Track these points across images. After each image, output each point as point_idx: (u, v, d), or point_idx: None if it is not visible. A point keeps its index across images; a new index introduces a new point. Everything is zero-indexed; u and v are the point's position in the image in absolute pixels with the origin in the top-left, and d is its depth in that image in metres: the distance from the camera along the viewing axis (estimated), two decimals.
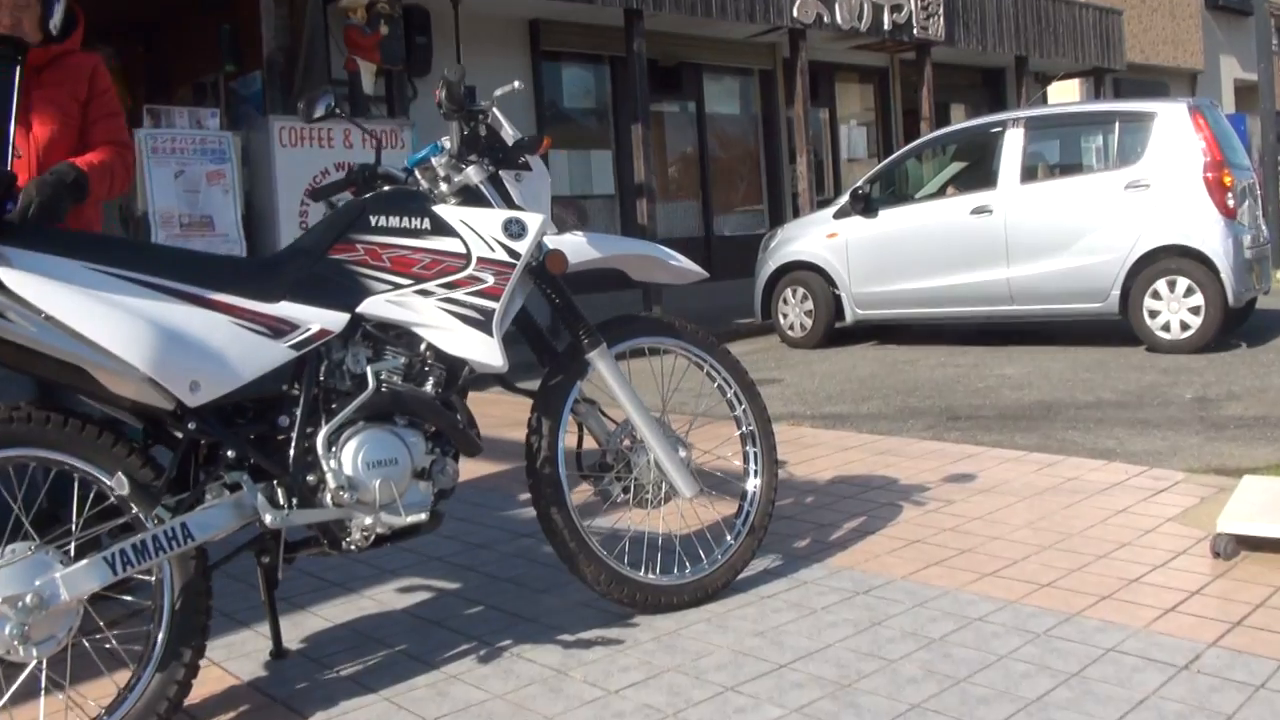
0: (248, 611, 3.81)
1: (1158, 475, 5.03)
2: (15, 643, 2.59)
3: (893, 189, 11.49)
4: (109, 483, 2.78)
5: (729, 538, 3.79)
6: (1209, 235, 9.02)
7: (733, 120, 16.37)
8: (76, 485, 2.82)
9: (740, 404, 3.88)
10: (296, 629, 3.70)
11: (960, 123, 14.82)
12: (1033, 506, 4.61)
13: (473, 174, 3.35)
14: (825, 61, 16.67)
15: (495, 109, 3.47)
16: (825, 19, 14.63)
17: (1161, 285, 9.15)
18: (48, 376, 2.78)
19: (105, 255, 2.79)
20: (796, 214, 14.82)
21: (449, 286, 3.17)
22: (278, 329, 2.96)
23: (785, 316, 11.52)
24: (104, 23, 11.57)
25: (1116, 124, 9.99)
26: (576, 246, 3.48)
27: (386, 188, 3.37)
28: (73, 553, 2.74)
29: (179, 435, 2.88)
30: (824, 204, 12.97)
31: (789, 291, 11.45)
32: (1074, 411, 6.82)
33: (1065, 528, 4.28)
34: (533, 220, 3.30)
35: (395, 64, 10.48)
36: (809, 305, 11.23)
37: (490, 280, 3.20)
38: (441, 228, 3.22)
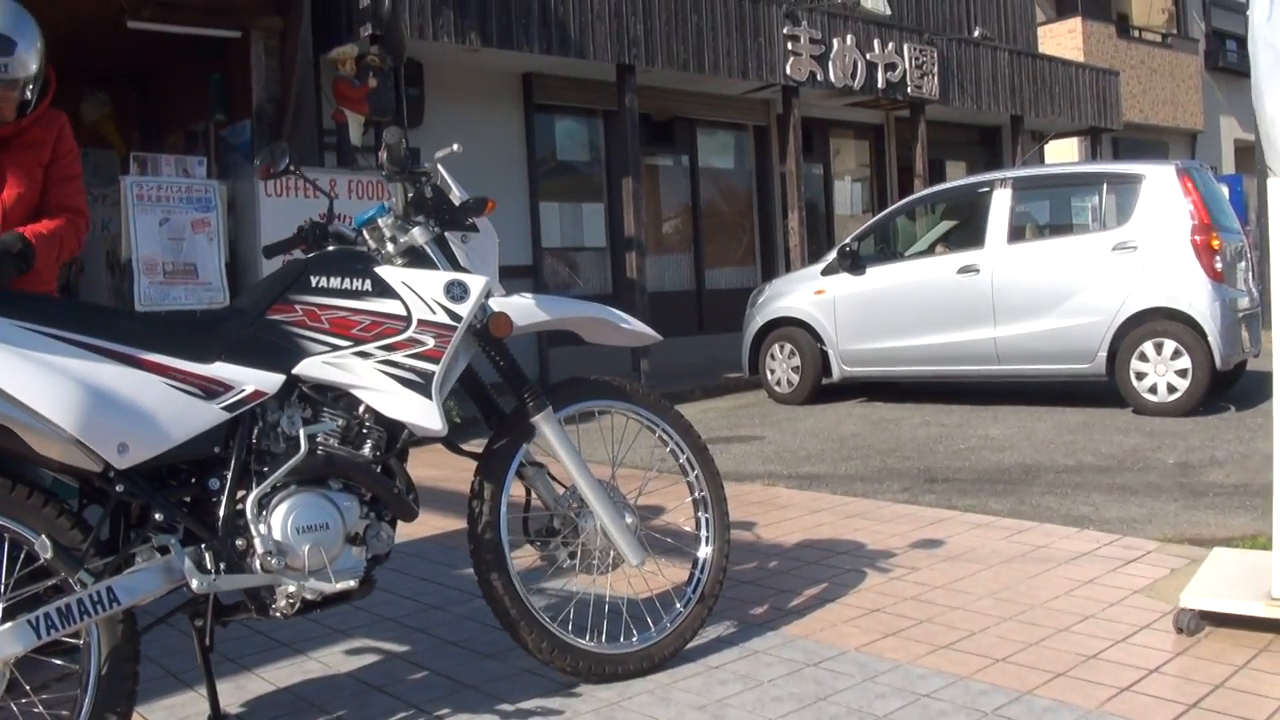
0: (192, 673, 3.72)
1: (1129, 545, 4.95)
2: None
3: (881, 246, 11.48)
4: (35, 543, 2.72)
5: (678, 605, 3.72)
6: (1196, 298, 8.98)
7: (726, 175, 16.39)
8: (6, 545, 2.78)
9: (693, 469, 3.82)
10: (239, 692, 3.64)
11: (953, 180, 14.84)
12: (998, 575, 4.54)
13: (418, 235, 3.32)
14: (820, 118, 16.73)
15: (441, 169, 3.45)
16: (819, 76, 14.68)
17: (1149, 347, 9.10)
18: None
19: (37, 314, 2.77)
20: (789, 269, 14.79)
21: (388, 349, 3.13)
22: (210, 390, 2.91)
23: (773, 372, 11.47)
24: (99, 70, 11.65)
25: (1105, 185, 9.98)
26: (523, 309, 3.44)
27: (331, 248, 3.34)
28: (1, 614, 2.69)
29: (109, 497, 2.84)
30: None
31: (776, 347, 11.41)
32: (1053, 475, 6.76)
33: (1028, 599, 4.21)
34: (475, 282, 3.26)
35: (384, 116, 10.48)
36: (796, 361, 11.19)
37: (430, 343, 3.16)
38: (382, 289, 3.18)
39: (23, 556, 2.77)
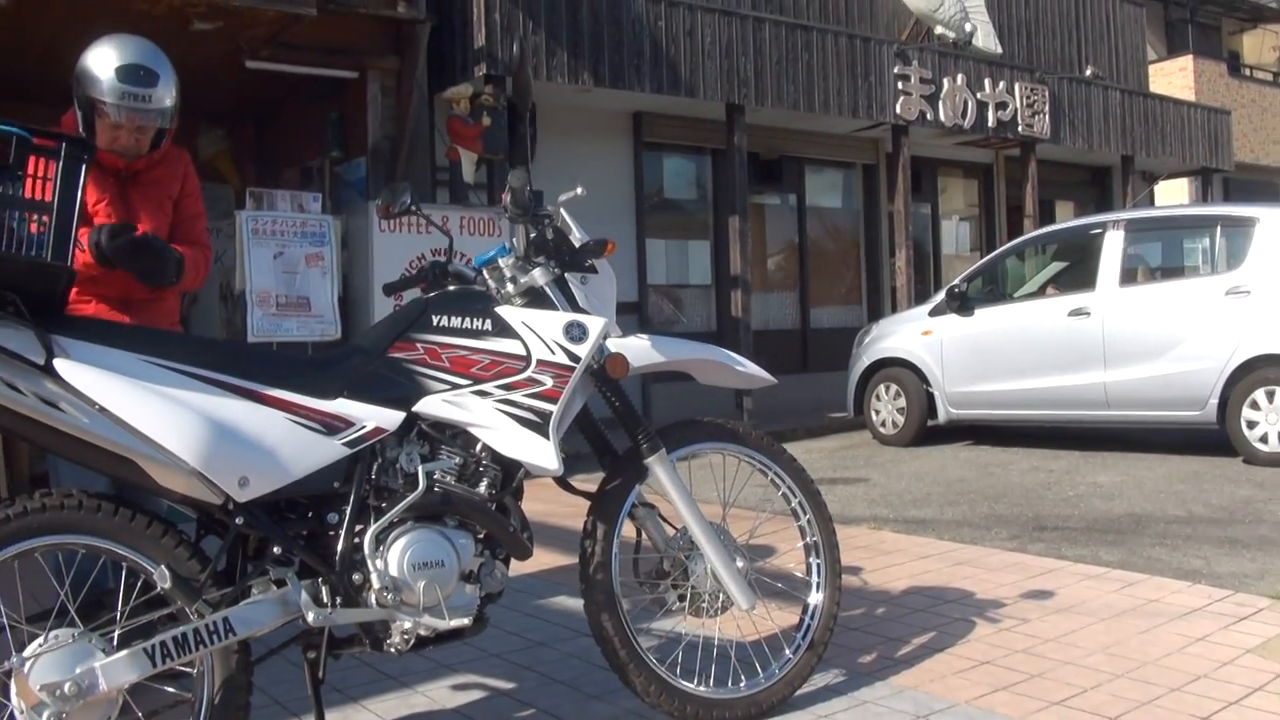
0: (298, 701, 3.78)
1: (1241, 601, 4.83)
2: None
3: (990, 288, 11.37)
4: (154, 573, 2.78)
5: (788, 652, 3.70)
6: None
7: (833, 213, 16.33)
8: (124, 574, 2.84)
9: (805, 513, 3.80)
10: None
11: (1063, 221, 14.66)
12: (1110, 629, 4.46)
13: (538, 276, 3.36)
14: (928, 157, 16.61)
15: (563, 211, 3.49)
16: (928, 116, 14.61)
17: (1260, 395, 8.89)
18: (99, 468, 2.81)
19: (161, 349, 2.84)
20: (895, 309, 14.72)
21: (507, 388, 3.16)
22: (332, 426, 2.96)
23: (878, 413, 11.40)
24: (217, 106, 11.93)
25: (1218, 228, 9.79)
26: (639, 350, 3.45)
27: (452, 287, 3.39)
28: (116, 641, 2.75)
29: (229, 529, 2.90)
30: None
31: (882, 388, 11.35)
32: (1163, 526, 6.62)
33: (1140, 655, 4.12)
34: (594, 324, 3.29)
35: (496, 154, 10.62)
36: (902, 402, 11.11)
37: (549, 383, 3.19)
38: (502, 329, 3.22)
39: (139, 585, 2.84)
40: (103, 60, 3.64)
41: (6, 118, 2.66)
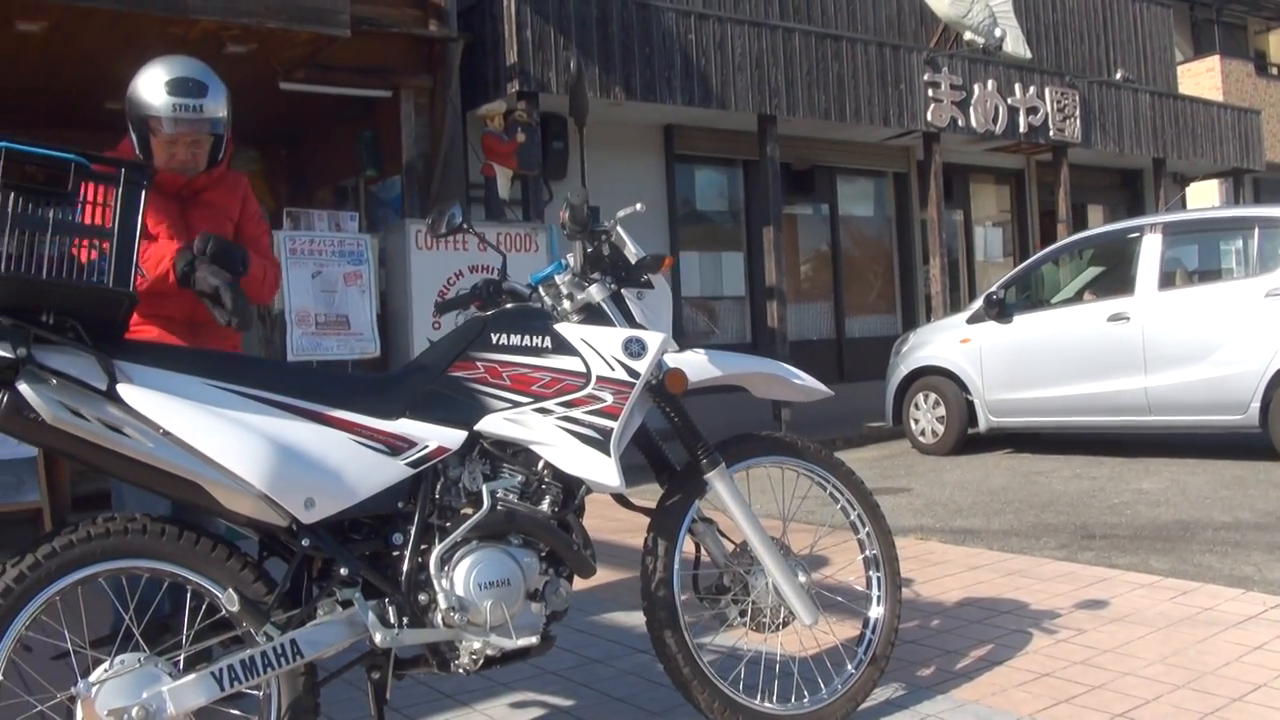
0: None
1: None
2: None
3: (1028, 294, 11.31)
4: (221, 597, 2.79)
5: (850, 666, 3.68)
6: None
7: (866, 222, 16.31)
8: (189, 598, 2.84)
9: (864, 526, 3.78)
10: None
11: (1097, 226, 14.59)
12: (1167, 639, 4.41)
13: (595, 292, 3.35)
14: (960, 163, 16.57)
15: (619, 228, 3.48)
16: (960, 122, 14.57)
17: None
18: (164, 492, 2.82)
19: (224, 372, 2.85)
20: (929, 317, 14.67)
21: (568, 405, 3.16)
22: (396, 446, 2.97)
23: (916, 422, 11.35)
24: (250, 128, 11.96)
25: (1256, 230, 9.70)
26: (697, 365, 3.45)
27: (509, 305, 3.39)
28: (182, 665, 2.75)
29: (293, 550, 2.90)
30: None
31: (920, 396, 11.30)
32: (1211, 533, 6.56)
33: (1199, 665, 4.08)
34: (653, 339, 3.29)
35: (531, 169, 10.65)
36: (941, 411, 11.05)
37: (609, 399, 3.19)
38: (562, 346, 3.22)
39: (204, 608, 2.84)
40: (153, 79, 3.67)
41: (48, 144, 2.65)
